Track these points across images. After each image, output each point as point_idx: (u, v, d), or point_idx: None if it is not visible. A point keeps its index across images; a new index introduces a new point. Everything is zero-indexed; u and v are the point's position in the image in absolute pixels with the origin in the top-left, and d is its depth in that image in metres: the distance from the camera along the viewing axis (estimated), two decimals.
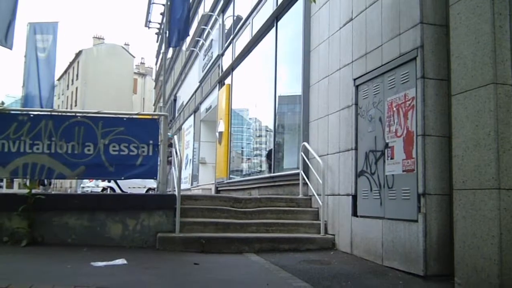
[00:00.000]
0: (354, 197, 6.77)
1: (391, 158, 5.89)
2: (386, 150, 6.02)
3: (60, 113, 8.16)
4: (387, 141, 6.02)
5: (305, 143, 8.43)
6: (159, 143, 7.58)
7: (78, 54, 64.13)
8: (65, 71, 69.91)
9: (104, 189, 21.70)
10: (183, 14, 9.01)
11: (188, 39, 24.96)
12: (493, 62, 4.39)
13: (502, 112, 4.35)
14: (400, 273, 5.42)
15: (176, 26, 9.19)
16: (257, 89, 13.20)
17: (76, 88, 63.03)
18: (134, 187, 19.53)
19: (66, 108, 57.36)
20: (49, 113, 7.99)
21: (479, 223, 4.39)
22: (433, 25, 5.50)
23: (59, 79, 70.02)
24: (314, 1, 7.17)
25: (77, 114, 7.86)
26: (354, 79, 6.94)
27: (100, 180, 19.74)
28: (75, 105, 60.23)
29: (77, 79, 63.37)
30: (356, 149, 6.80)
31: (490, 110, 4.37)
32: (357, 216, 6.68)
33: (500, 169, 4.26)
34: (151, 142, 7.51)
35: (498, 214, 4.22)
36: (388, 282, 5.05)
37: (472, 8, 4.65)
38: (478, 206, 4.42)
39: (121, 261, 5.67)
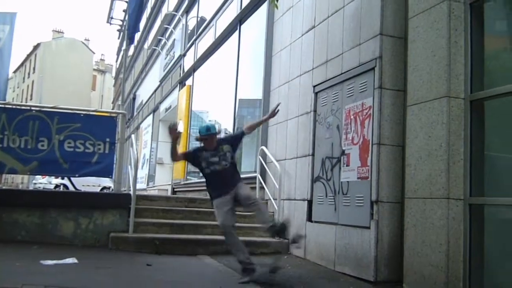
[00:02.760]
0: (310, 202, 6.85)
1: (347, 165, 6.00)
2: (342, 157, 6.13)
3: (14, 106, 7.95)
4: (343, 148, 6.12)
5: (263, 147, 8.47)
6: (116, 142, 7.47)
7: (36, 47, 62.44)
8: (22, 64, 67.91)
9: (57, 186, 21.23)
10: (134, 9, 8.90)
11: (150, 37, 24.76)
12: (447, 76, 4.54)
13: (454, 125, 4.50)
14: (352, 278, 5.51)
15: (131, 22, 9.09)
16: (218, 92, 13.18)
17: (33, 82, 61.32)
18: (88, 185, 19.16)
19: (21, 102, 55.78)
20: (2, 105, 7.76)
21: (428, 231, 4.52)
22: (392, 37, 5.64)
23: (14, 72, 67.99)
24: (277, 7, 7.22)
25: (32, 108, 7.67)
26: (314, 86, 7.03)
27: (53, 177, 19.32)
28: (31, 99, 58.56)
29: (33, 72, 61.67)
30: (313, 155, 6.89)
31: (443, 122, 4.51)
32: (311, 222, 6.76)
33: (450, 180, 4.41)
34: (107, 140, 7.39)
35: (447, 222, 4.36)
36: (339, 287, 5.14)
37: (430, 23, 4.79)
38: (428, 214, 4.55)
39: (71, 260, 5.55)
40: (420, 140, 4.77)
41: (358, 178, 5.75)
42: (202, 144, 5.51)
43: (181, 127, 15.36)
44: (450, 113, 4.50)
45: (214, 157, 5.35)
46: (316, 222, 6.66)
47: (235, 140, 5.66)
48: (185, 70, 16.31)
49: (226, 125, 12.69)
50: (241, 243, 5.28)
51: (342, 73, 6.31)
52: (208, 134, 5.39)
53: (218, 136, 5.54)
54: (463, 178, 4.43)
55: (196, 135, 5.94)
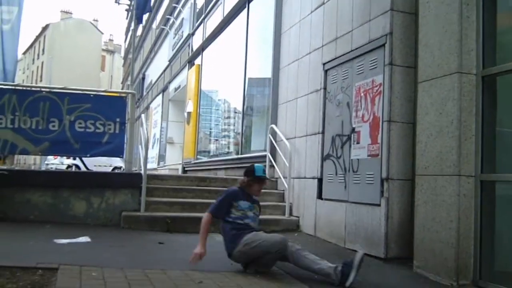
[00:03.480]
0: (320, 181, 6.86)
1: (357, 143, 5.98)
2: (352, 135, 6.11)
3: (24, 88, 7.98)
4: (353, 126, 6.10)
5: (273, 126, 8.47)
6: (126, 121, 7.49)
7: (44, 28, 62.44)
8: (31, 45, 68.03)
9: (69, 166, 21.38)
10: None
11: (159, 17, 24.62)
12: (459, 52, 4.48)
13: (465, 101, 4.46)
14: None
15: (140, 1, 9.05)
16: (227, 71, 13.13)
17: (42, 63, 61.45)
18: (100, 166, 19.31)
19: (31, 83, 56.00)
20: (13, 87, 7.80)
21: (439, 208, 4.52)
22: (403, 13, 5.57)
23: (24, 53, 68.18)
24: None
25: (43, 90, 7.70)
26: (324, 64, 6.98)
27: (65, 158, 19.47)
28: (41, 81, 58.74)
29: (43, 53, 61.76)
30: (323, 133, 6.87)
31: (454, 98, 4.47)
32: (322, 199, 6.78)
33: (461, 156, 4.38)
34: (118, 120, 7.42)
35: (458, 199, 4.35)
36: None
37: None
38: (438, 191, 4.54)
39: (84, 239, 5.63)
40: (431, 117, 4.73)
41: (368, 155, 5.74)
42: (242, 187, 4.74)
43: (190, 107, 15.38)
44: (461, 89, 4.46)
45: (251, 211, 4.63)
46: (326, 199, 6.67)
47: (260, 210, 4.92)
48: (194, 49, 16.25)
49: (235, 104, 12.69)
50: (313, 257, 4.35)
51: (352, 50, 6.25)
52: (264, 176, 4.76)
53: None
54: (474, 155, 4.41)
55: (241, 177, 4.87)
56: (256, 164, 4.84)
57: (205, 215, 4.52)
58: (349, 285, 4.01)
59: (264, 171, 4.76)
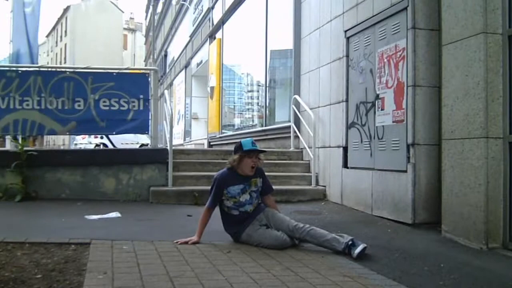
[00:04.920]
0: (345, 149, 6.83)
1: (382, 109, 5.91)
2: (376, 102, 6.04)
3: (48, 69, 8.09)
4: (377, 92, 6.03)
5: (296, 96, 8.42)
6: (150, 98, 7.55)
7: (66, 10, 62.79)
8: (53, 28, 68.57)
9: (97, 146, 21.67)
10: None
11: None
12: (483, 11, 4.36)
13: (492, 61, 4.35)
14: (389, 222, 5.53)
15: None
16: (248, 44, 13.05)
17: (65, 45, 62.03)
18: (127, 143, 19.52)
19: (56, 65, 56.59)
20: (37, 69, 7.90)
21: (467, 171, 4.46)
22: None
23: (47, 36, 68.82)
24: None
25: (66, 70, 7.79)
26: (345, 31, 6.87)
27: (92, 137, 19.73)
28: (65, 62, 59.37)
29: (65, 35, 62.28)
30: (347, 101, 6.81)
31: (480, 59, 4.36)
32: (347, 168, 6.76)
33: (488, 118, 4.30)
34: (141, 96, 7.49)
35: (486, 162, 4.29)
36: (377, 230, 5.17)
37: None
38: (466, 155, 4.48)
39: (115, 214, 5.75)
40: (456, 80, 4.64)
41: (393, 121, 5.68)
42: (231, 167, 4.45)
43: (213, 81, 15.38)
44: (487, 50, 4.34)
45: (245, 193, 4.38)
46: (352, 168, 6.65)
47: (266, 180, 4.60)
48: (214, 23, 16.15)
49: (258, 77, 12.63)
50: (322, 231, 4.20)
51: (373, 16, 6.14)
52: (253, 148, 4.38)
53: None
54: (502, 116, 4.32)
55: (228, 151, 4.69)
56: (243, 140, 4.49)
57: (204, 209, 4.42)
58: (357, 255, 3.88)
59: (253, 143, 4.39)
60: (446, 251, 4.25)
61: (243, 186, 4.38)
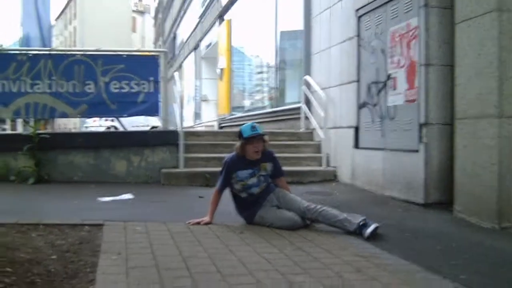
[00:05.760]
0: (356, 129, 6.80)
1: (394, 89, 5.86)
2: (388, 81, 5.98)
3: (58, 52, 8.10)
4: (389, 72, 5.97)
5: (307, 77, 8.37)
6: (160, 80, 7.55)
7: None
8: (62, 11, 68.43)
9: (108, 128, 21.76)
10: None
11: None
12: None
13: (505, 39, 4.29)
14: (401, 202, 5.53)
15: None
16: (258, 25, 12.94)
17: (74, 28, 61.95)
18: (137, 126, 19.56)
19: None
20: (47, 52, 7.92)
21: (480, 151, 4.43)
22: None
23: (56, 19, 68.71)
24: None
25: (76, 53, 7.80)
26: (356, 10, 6.79)
27: (103, 120, 19.80)
28: (74, 45, 59.34)
29: (74, 18, 62.15)
30: (358, 81, 6.76)
31: (494, 37, 4.31)
32: (358, 148, 6.73)
33: (502, 97, 4.26)
34: (151, 79, 7.50)
35: (499, 142, 4.25)
36: (389, 210, 5.18)
37: None
38: (479, 134, 4.44)
39: (127, 196, 5.79)
40: (470, 58, 4.58)
41: (405, 101, 5.63)
42: (238, 153, 4.39)
43: (223, 63, 15.32)
44: (501, 28, 4.28)
45: (253, 177, 4.35)
46: (363, 148, 6.62)
47: (276, 164, 4.53)
48: (223, 4, 16.01)
49: (268, 59, 12.56)
50: (334, 212, 4.17)
51: None
52: (256, 133, 4.29)
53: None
54: None
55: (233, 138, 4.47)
56: (243, 125, 4.40)
57: (214, 191, 4.43)
58: (368, 234, 3.88)
59: (253, 128, 4.28)
60: (458, 231, 4.24)
61: (252, 170, 4.35)
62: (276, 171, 4.50)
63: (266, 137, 4.43)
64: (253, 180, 4.35)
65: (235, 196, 4.48)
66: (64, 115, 7.58)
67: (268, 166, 4.43)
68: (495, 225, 4.24)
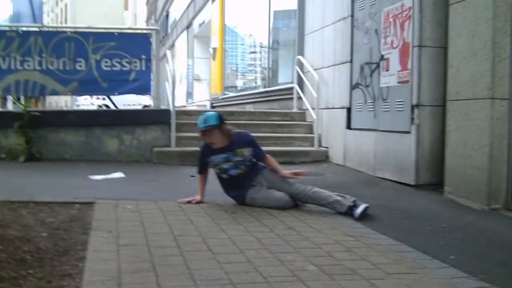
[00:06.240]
0: (348, 110, 6.79)
1: (387, 70, 5.84)
2: (381, 62, 5.96)
3: (49, 29, 8.00)
4: (382, 53, 5.94)
5: (300, 57, 8.33)
6: (152, 58, 7.48)
7: None
8: None
9: (99, 107, 21.62)
10: None
11: None
12: None
13: (499, 21, 4.27)
14: (392, 183, 5.55)
15: None
16: (251, 4, 12.83)
17: (66, 5, 61.13)
18: (129, 105, 19.45)
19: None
20: (38, 29, 7.82)
21: (471, 133, 4.44)
22: None
23: None
24: None
25: (67, 30, 7.71)
26: None
27: (94, 98, 19.66)
28: (66, 23, 58.61)
29: None
30: (351, 61, 6.73)
31: (488, 19, 4.28)
32: (351, 129, 6.74)
33: (494, 79, 4.25)
34: (143, 57, 7.44)
35: (491, 123, 4.26)
36: (380, 191, 5.21)
37: None
38: (471, 116, 4.45)
39: (118, 174, 5.78)
40: (463, 40, 4.57)
41: (398, 82, 5.62)
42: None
43: (215, 42, 15.21)
44: (495, 9, 4.25)
45: (228, 162, 4.29)
46: (355, 129, 6.63)
47: (256, 149, 4.41)
48: None
49: (261, 39, 12.48)
50: (325, 193, 4.19)
51: None
52: (207, 126, 4.21)
53: (230, 131, 4.35)
54: (508, 77, 4.26)
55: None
56: (200, 116, 4.34)
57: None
58: (358, 215, 3.91)
59: (205, 121, 4.19)
60: (448, 212, 4.28)
61: (226, 155, 4.27)
62: (257, 155, 4.43)
63: (226, 127, 4.32)
64: (229, 164, 4.29)
65: (219, 177, 4.46)
66: (55, 93, 7.53)
67: (246, 151, 4.33)
68: (485, 206, 4.27)
